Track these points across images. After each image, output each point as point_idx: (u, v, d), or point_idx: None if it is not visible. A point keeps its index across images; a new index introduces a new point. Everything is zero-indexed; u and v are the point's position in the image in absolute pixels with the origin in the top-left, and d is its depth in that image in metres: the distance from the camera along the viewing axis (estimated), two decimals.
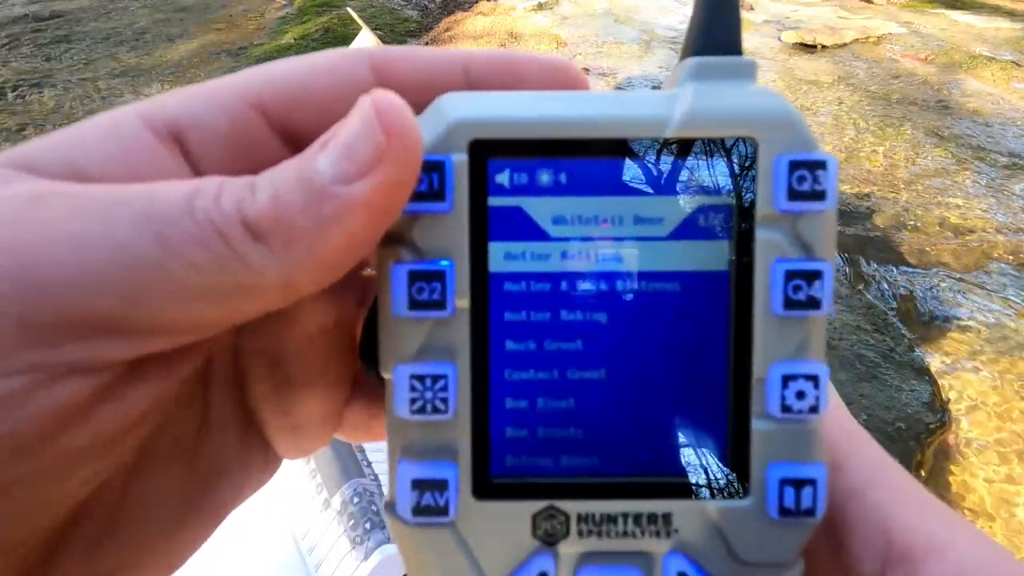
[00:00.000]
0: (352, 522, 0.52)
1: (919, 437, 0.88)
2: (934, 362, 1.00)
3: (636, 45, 2.02)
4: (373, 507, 0.53)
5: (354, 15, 1.18)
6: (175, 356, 0.14)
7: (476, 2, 2.26)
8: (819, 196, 0.15)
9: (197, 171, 0.15)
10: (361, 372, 0.19)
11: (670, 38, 2.09)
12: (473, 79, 0.16)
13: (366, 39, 1.06)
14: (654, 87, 1.73)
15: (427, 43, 1.95)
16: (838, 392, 0.16)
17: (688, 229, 0.16)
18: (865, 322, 1.05)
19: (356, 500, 0.53)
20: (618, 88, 1.71)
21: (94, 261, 0.12)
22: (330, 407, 0.18)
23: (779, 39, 2.12)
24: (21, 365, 0.12)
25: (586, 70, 1.79)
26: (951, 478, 0.85)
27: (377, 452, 0.58)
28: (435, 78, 0.16)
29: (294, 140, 0.16)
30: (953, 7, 2.42)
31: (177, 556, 0.17)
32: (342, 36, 1.86)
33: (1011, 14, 2.35)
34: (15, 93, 1.63)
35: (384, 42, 1.04)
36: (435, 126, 0.15)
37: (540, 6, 2.28)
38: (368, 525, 0.51)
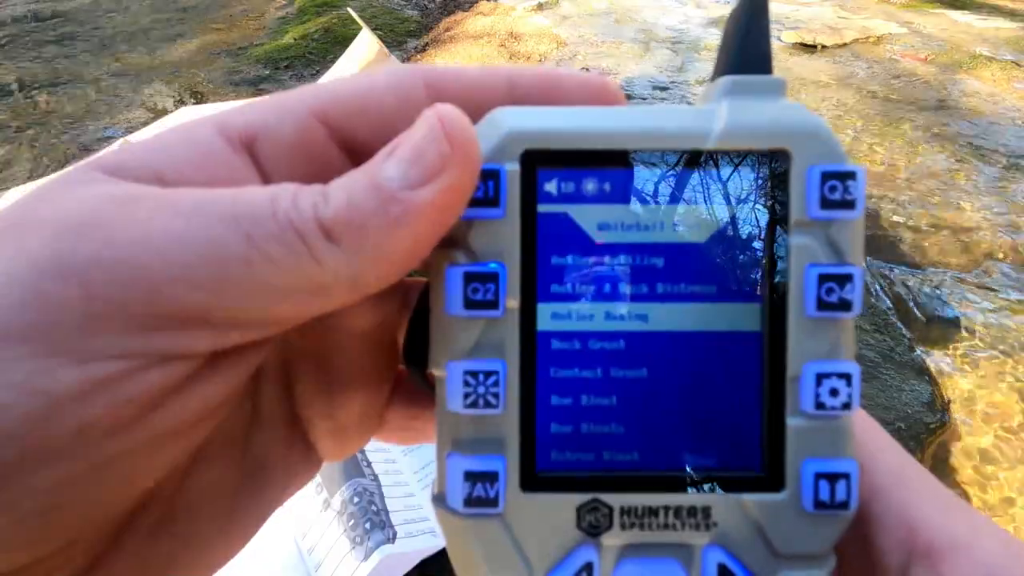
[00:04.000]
0: (352, 522, 0.52)
1: (919, 437, 0.88)
2: (934, 362, 1.00)
3: (636, 45, 2.02)
4: (373, 507, 0.53)
5: (354, 15, 1.18)
6: (245, 351, 0.15)
7: (476, 2, 2.26)
8: (849, 205, 0.16)
9: (265, 176, 0.16)
10: (400, 376, 0.20)
11: (670, 38, 2.09)
12: (518, 94, 0.18)
13: (366, 39, 1.06)
14: (655, 87, 1.73)
15: (427, 43, 1.95)
16: None
17: (725, 235, 0.16)
18: (865, 322, 1.05)
19: (356, 500, 0.53)
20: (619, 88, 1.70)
21: (189, 256, 0.13)
22: (371, 408, 0.19)
23: (779, 39, 2.12)
24: (120, 351, 0.13)
25: (586, 70, 1.79)
26: (951, 478, 0.85)
27: (376, 452, 0.58)
28: (482, 94, 0.17)
29: (352, 150, 0.17)
30: (953, 7, 2.42)
31: (224, 553, 0.18)
32: (342, 36, 1.86)
33: (1011, 14, 2.35)
34: (15, 93, 1.63)
35: (384, 42, 1.04)
36: (490, 137, 0.16)
37: (540, 6, 2.28)
38: (368, 525, 0.51)
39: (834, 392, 0.16)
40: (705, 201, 0.16)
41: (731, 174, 0.16)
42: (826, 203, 0.16)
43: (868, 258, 1.22)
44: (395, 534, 0.52)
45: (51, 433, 0.12)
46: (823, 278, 0.16)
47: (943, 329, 1.06)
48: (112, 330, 0.13)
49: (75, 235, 0.13)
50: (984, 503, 0.82)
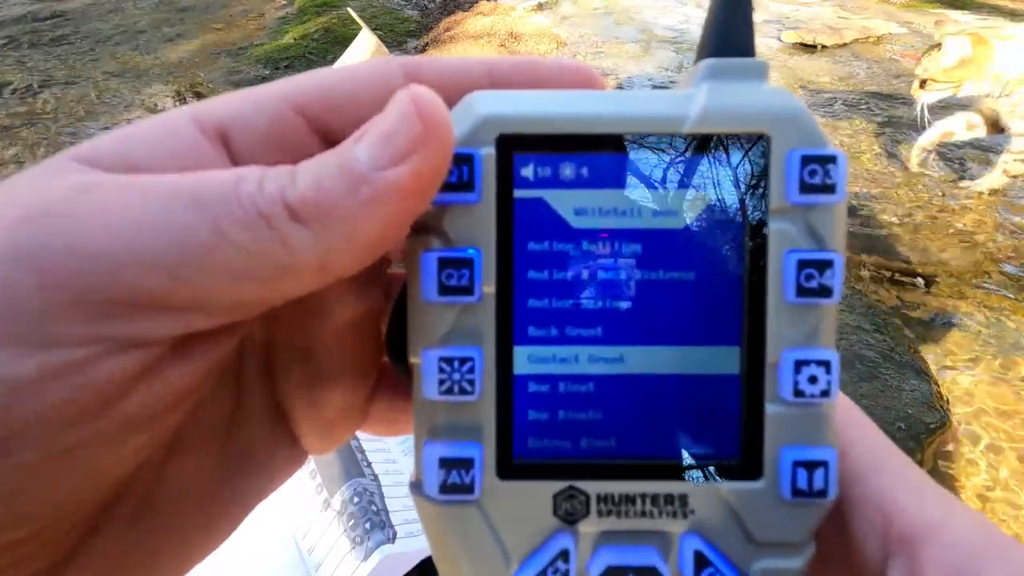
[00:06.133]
0: (352, 522, 0.52)
1: (919, 437, 0.88)
2: (934, 362, 1.00)
3: (636, 45, 2.02)
4: (373, 507, 0.53)
5: (354, 15, 1.18)
6: (213, 337, 0.15)
7: (476, 2, 2.26)
8: (829, 189, 0.15)
9: (240, 167, 0.16)
10: (385, 368, 0.20)
11: (670, 38, 2.09)
12: (497, 82, 0.17)
13: (366, 39, 1.06)
14: (655, 87, 1.73)
15: (427, 43, 1.95)
16: (839, 390, 0.16)
17: (703, 221, 0.16)
18: (865, 322, 1.05)
19: (356, 500, 0.53)
20: (619, 88, 1.71)
21: (149, 241, 0.13)
22: (356, 400, 0.19)
23: (779, 39, 2.12)
24: (81, 338, 0.13)
25: None
26: (951, 478, 0.85)
27: (376, 452, 0.58)
28: (461, 82, 0.17)
29: (332, 140, 0.16)
30: (953, 7, 2.42)
31: (205, 545, 0.17)
32: (342, 36, 1.86)
33: (1011, 14, 2.35)
34: (15, 93, 1.63)
35: (384, 42, 1.04)
36: (465, 121, 0.16)
37: (540, 6, 2.28)
38: (368, 525, 0.51)
39: (812, 379, 0.16)
40: (683, 186, 0.16)
41: (710, 158, 0.16)
42: (806, 187, 0.15)
43: (868, 259, 1.22)
44: (395, 534, 0.52)
45: (9, 421, 0.12)
46: (802, 264, 0.15)
47: (943, 329, 1.06)
48: (71, 317, 0.12)
49: (35, 223, 0.13)
50: (983, 501, 0.82)
